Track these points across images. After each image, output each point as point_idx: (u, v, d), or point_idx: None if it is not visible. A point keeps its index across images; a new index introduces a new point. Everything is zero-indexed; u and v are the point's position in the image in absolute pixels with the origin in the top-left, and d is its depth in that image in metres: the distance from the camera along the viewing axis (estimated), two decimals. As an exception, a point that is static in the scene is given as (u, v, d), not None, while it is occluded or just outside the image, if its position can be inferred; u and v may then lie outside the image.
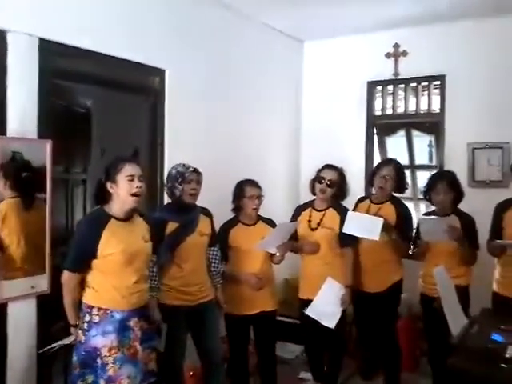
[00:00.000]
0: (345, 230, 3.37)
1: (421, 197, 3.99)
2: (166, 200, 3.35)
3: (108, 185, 2.51)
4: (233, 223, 3.45)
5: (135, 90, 3.55)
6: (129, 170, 2.49)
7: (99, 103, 3.32)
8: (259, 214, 3.47)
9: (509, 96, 4.27)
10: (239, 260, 3.39)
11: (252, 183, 3.41)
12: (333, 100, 5.05)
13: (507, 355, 2.19)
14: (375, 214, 3.58)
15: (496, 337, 2.42)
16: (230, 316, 3.40)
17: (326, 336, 3.46)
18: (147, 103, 3.64)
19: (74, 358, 2.50)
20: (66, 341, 2.57)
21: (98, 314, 2.48)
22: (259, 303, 3.38)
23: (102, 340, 2.45)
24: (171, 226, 3.05)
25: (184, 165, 3.10)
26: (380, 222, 3.32)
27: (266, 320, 3.43)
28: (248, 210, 3.39)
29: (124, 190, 2.48)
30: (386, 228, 3.36)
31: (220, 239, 3.37)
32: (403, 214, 3.60)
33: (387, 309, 3.63)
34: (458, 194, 3.52)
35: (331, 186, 3.50)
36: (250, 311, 3.37)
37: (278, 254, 3.39)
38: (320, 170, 3.58)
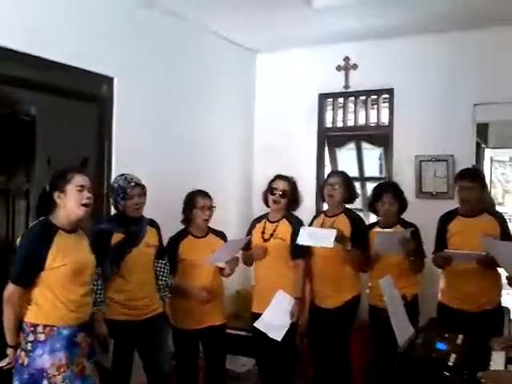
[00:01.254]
0: (298, 242, 3.36)
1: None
2: (113, 210, 3.26)
3: (55, 195, 2.45)
4: (182, 235, 3.40)
5: (82, 97, 3.46)
6: (79, 180, 2.46)
7: (44, 111, 3.23)
8: (210, 225, 3.44)
9: (453, 110, 4.41)
10: (188, 273, 3.34)
11: (203, 194, 3.38)
12: (285, 112, 5.07)
13: (450, 363, 2.23)
14: (330, 227, 3.58)
15: (440, 345, 2.45)
16: (179, 331, 3.34)
17: (277, 348, 3.44)
18: (95, 111, 3.56)
19: None
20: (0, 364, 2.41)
21: (43, 332, 2.37)
22: (208, 317, 3.34)
23: (50, 359, 2.35)
24: (116, 237, 2.99)
25: (126, 178, 3.03)
26: (333, 232, 3.33)
27: (216, 334, 3.39)
28: (199, 221, 3.35)
29: (73, 201, 2.43)
30: (339, 239, 3.37)
31: (169, 251, 3.31)
32: (358, 225, 3.63)
33: (342, 325, 3.59)
34: (402, 204, 3.61)
35: (284, 196, 3.50)
36: (199, 325, 3.32)
37: (227, 269, 3.36)
38: (272, 181, 3.59)
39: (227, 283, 3.57)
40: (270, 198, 3.53)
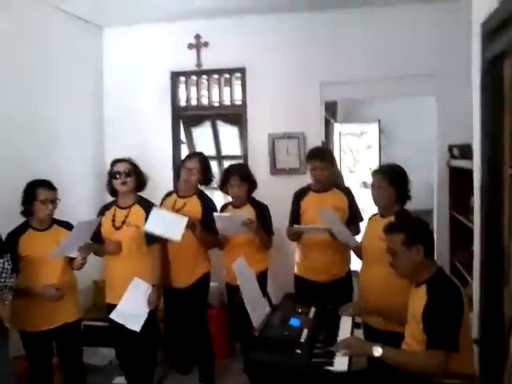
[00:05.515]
0: (147, 228, 3.27)
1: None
2: None
3: None
4: (22, 229, 3.09)
5: None
6: None
7: None
8: (54, 216, 3.16)
9: (303, 88, 4.52)
10: (33, 270, 3.03)
11: (46, 185, 3.08)
12: (137, 90, 4.84)
13: (302, 340, 2.28)
14: (181, 208, 3.60)
15: (293, 321, 2.49)
16: (28, 334, 3.07)
17: (137, 337, 3.32)
18: None
19: None
20: None
21: None
22: (61, 315, 3.12)
23: None
24: None
25: None
26: (184, 220, 3.30)
27: (70, 331, 3.18)
28: (40, 215, 3.07)
29: None
30: (190, 225, 3.38)
31: (8, 248, 2.98)
32: (208, 208, 3.64)
33: (196, 302, 3.67)
34: (251, 184, 3.70)
35: (129, 175, 3.38)
36: (50, 325, 3.09)
37: (79, 259, 3.13)
38: (112, 167, 3.43)
39: (82, 274, 3.33)
40: (116, 182, 3.37)
